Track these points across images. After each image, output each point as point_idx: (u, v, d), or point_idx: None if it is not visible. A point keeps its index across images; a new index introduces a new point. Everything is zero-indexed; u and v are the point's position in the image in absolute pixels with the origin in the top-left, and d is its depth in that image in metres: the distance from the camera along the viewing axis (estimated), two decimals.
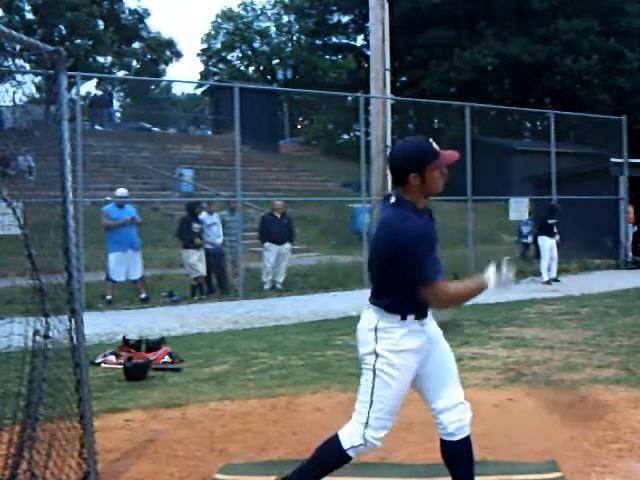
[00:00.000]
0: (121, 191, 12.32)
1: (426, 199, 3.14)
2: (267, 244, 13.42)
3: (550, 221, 14.22)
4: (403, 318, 3.07)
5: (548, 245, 14.20)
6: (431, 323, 3.22)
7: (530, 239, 17.87)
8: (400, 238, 2.97)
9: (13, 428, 3.42)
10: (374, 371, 3.09)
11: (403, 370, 3.09)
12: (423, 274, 2.97)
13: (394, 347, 3.06)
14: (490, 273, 3.13)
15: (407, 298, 3.05)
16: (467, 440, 3.22)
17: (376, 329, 3.08)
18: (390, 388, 3.09)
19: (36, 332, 3.34)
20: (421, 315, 3.12)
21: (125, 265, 11.73)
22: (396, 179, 3.12)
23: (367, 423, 3.12)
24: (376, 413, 3.11)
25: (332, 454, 3.22)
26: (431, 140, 3.08)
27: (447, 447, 3.22)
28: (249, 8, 54.68)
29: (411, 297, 3.03)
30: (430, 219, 3.14)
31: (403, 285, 3.03)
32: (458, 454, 3.23)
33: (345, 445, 3.17)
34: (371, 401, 3.11)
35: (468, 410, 3.21)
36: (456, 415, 3.17)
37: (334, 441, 3.21)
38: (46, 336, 3.36)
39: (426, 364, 3.17)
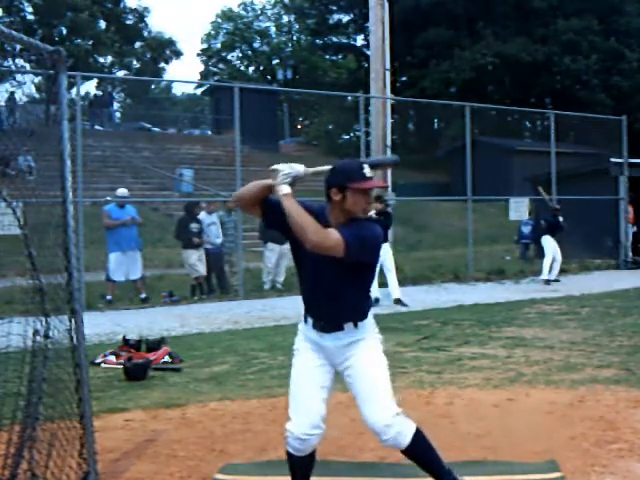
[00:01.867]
0: (122, 191, 12.32)
1: (347, 219, 3.16)
2: (269, 244, 13.40)
3: (558, 222, 14.23)
4: (305, 321, 3.32)
5: (552, 245, 14.22)
6: (339, 343, 3.25)
7: (530, 239, 17.90)
8: None
9: (13, 428, 3.42)
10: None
11: (296, 356, 3.33)
12: None
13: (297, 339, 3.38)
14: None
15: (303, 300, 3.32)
16: (413, 446, 3.21)
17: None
18: (291, 375, 3.33)
19: (36, 332, 3.34)
20: (315, 326, 3.26)
21: (125, 265, 11.73)
22: (325, 193, 3.22)
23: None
24: (289, 402, 3.33)
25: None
26: (365, 166, 3.16)
27: (402, 452, 3.29)
28: (249, 8, 54.69)
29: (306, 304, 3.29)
30: None
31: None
32: (411, 457, 3.28)
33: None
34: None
35: (385, 428, 3.16)
36: (378, 434, 3.20)
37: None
38: (46, 336, 3.36)
39: (344, 378, 3.29)
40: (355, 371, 3.21)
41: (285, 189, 3.12)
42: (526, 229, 18.62)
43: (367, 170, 3.13)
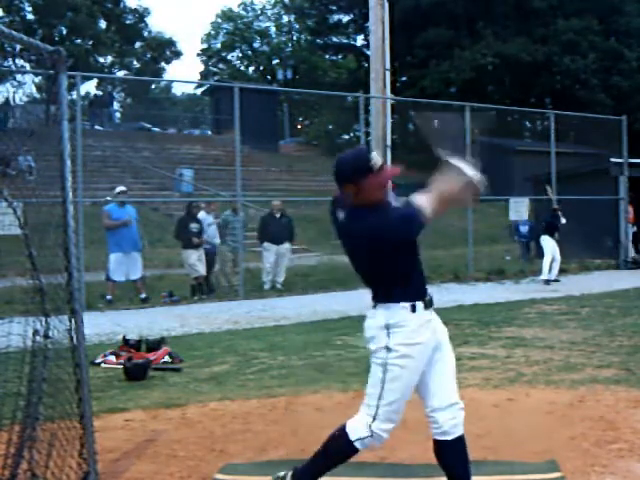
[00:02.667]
0: (121, 188, 12.33)
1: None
2: (266, 244, 13.42)
3: (557, 221, 14.25)
4: (413, 310, 3.16)
5: (551, 244, 14.23)
6: (437, 320, 3.29)
7: (528, 238, 17.94)
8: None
9: (13, 428, 3.42)
10: (385, 365, 3.16)
11: (413, 363, 3.16)
12: None
13: (407, 340, 3.14)
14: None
15: (411, 285, 3.20)
16: (461, 440, 3.25)
17: (387, 326, 3.15)
18: (400, 381, 3.16)
19: (36, 332, 3.34)
20: (429, 303, 3.23)
21: (125, 265, 11.73)
22: (339, 188, 3.22)
23: (375, 415, 3.19)
24: (385, 406, 3.18)
25: (339, 446, 3.28)
26: (373, 153, 3.16)
27: (441, 447, 3.26)
28: (249, 8, 54.70)
29: (413, 284, 3.20)
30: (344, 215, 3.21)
31: (395, 273, 3.18)
32: (452, 454, 3.25)
33: (352, 437, 3.23)
34: (380, 394, 3.17)
35: (462, 410, 3.25)
36: (450, 414, 3.21)
37: (342, 433, 3.27)
38: (46, 336, 3.36)
39: (428, 361, 3.21)
40: (447, 351, 3.28)
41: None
42: (524, 228, 18.65)
43: (375, 158, 3.15)
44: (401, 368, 3.14)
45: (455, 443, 3.23)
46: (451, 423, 3.21)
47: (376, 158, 3.13)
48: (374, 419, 3.19)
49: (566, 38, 37.03)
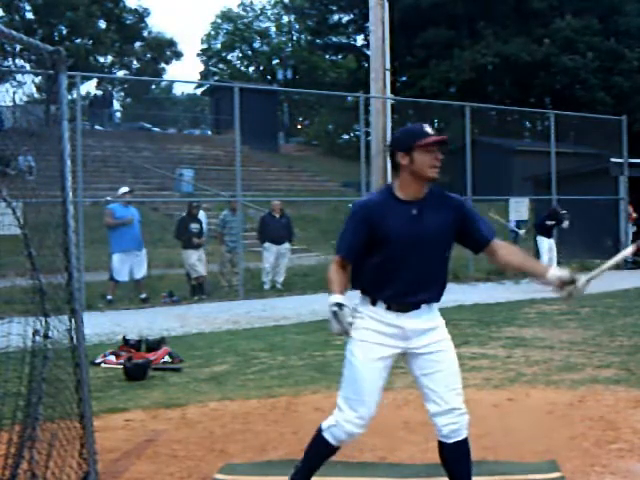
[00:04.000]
0: (125, 189, 12.32)
1: (421, 186, 3.19)
2: (266, 244, 13.42)
3: (548, 222, 14.25)
4: (373, 304, 3.18)
5: (546, 245, 14.23)
6: (424, 324, 3.21)
7: (515, 230, 18.08)
8: None
9: (13, 428, 3.42)
10: (346, 351, 3.25)
11: (361, 347, 3.16)
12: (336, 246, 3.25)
13: (357, 326, 3.16)
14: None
15: (376, 283, 3.16)
16: (464, 443, 3.23)
17: (354, 309, 3.20)
18: (352, 367, 3.19)
19: (36, 332, 3.33)
20: (396, 307, 3.16)
21: (129, 265, 11.72)
22: (392, 165, 3.23)
23: (339, 404, 3.24)
24: (344, 393, 3.23)
25: (315, 438, 3.32)
26: (425, 125, 3.19)
27: (444, 448, 3.25)
28: (249, 9, 54.70)
29: (381, 283, 3.15)
30: (414, 210, 3.17)
31: (370, 270, 3.17)
32: (454, 456, 3.25)
33: (323, 426, 3.29)
34: (342, 382, 3.25)
35: (463, 415, 3.22)
36: (449, 419, 3.20)
37: (319, 426, 3.33)
38: (46, 336, 3.36)
39: (422, 365, 3.20)
40: (441, 361, 3.20)
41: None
42: (512, 222, 18.91)
43: (428, 128, 3.18)
44: (351, 354, 3.20)
45: (456, 446, 3.22)
46: (450, 428, 3.20)
47: (428, 127, 3.20)
48: (339, 408, 3.23)
49: (563, 35, 37.03)
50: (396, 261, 3.15)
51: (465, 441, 3.24)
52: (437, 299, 3.25)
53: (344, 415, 3.20)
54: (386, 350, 3.18)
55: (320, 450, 3.30)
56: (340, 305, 3.03)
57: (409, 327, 3.17)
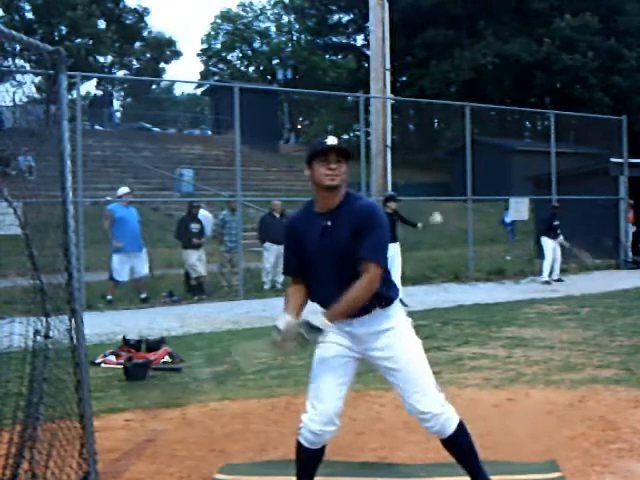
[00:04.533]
0: (125, 189, 12.31)
1: (329, 196, 3.15)
2: (267, 244, 13.42)
3: (555, 222, 14.26)
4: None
5: (551, 246, 14.25)
6: (372, 329, 3.20)
7: (511, 224, 18.16)
8: None
9: (14, 428, 3.42)
10: None
11: (319, 348, 3.22)
12: None
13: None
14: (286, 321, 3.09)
15: (315, 295, 3.23)
16: (456, 436, 3.22)
17: None
18: (312, 368, 3.27)
19: (37, 332, 3.33)
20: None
21: (128, 265, 11.72)
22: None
23: (305, 408, 3.27)
24: (308, 395, 3.27)
25: (296, 448, 3.32)
26: (328, 136, 3.16)
27: (441, 442, 3.30)
28: (248, 9, 54.69)
29: (316, 295, 3.21)
30: (327, 221, 3.15)
31: (309, 283, 3.28)
32: (452, 448, 3.28)
33: (297, 433, 3.30)
34: None
35: (436, 417, 3.19)
36: (424, 422, 3.22)
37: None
38: (47, 336, 3.36)
39: (383, 371, 3.25)
40: (396, 362, 3.19)
41: (325, 325, 3.04)
42: (507, 219, 18.96)
43: (329, 139, 3.13)
44: (316, 354, 3.25)
45: (449, 440, 3.24)
46: (432, 429, 3.23)
47: (331, 139, 3.14)
48: (304, 410, 3.26)
49: (564, 35, 37.03)
50: (319, 273, 3.20)
51: (456, 434, 3.22)
52: (379, 305, 3.18)
53: (308, 415, 3.23)
54: (341, 349, 3.21)
55: (300, 456, 3.31)
56: (276, 328, 3.07)
57: (358, 333, 3.20)
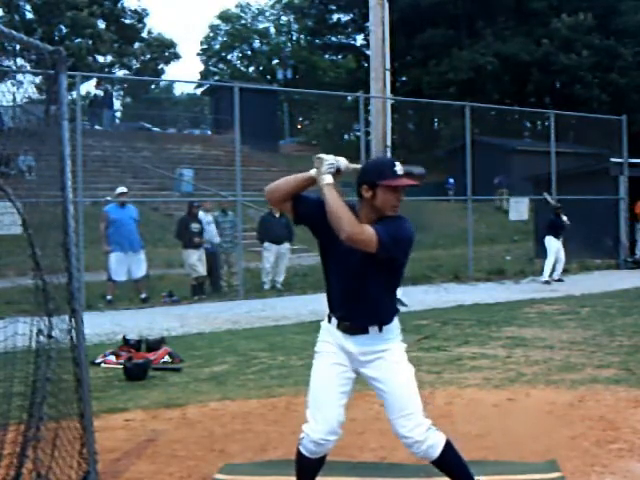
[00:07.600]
0: (121, 189, 12.32)
1: (375, 217, 3.13)
2: (266, 244, 13.42)
3: (563, 221, 14.21)
4: (329, 320, 3.29)
5: (555, 245, 14.23)
6: (369, 349, 3.20)
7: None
8: None
9: (18, 428, 3.43)
10: None
11: (317, 358, 3.27)
12: None
13: (318, 339, 3.33)
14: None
15: (328, 299, 3.29)
16: (441, 459, 3.22)
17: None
18: (311, 378, 3.28)
19: (40, 332, 3.33)
20: (342, 327, 3.20)
21: (126, 265, 11.72)
22: (357, 192, 3.21)
23: (306, 417, 3.27)
24: (308, 405, 3.28)
25: (296, 455, 3.32)
26: (397, 164, 3.14)
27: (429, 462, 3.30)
28: (247, 10, 54.69)
29: (329, 300, 3.28)
30: None
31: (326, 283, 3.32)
32: (441, 468, 3.28)
33: (298, 441, 3.30)
34: None
35: (417, 443, 3.18)
36: (407, 446, 3.23)
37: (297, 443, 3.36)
38: (49, 336, 3.36)
39: (375, 387, 3.26)
40: (386, 385, 3.20)
41: (328, 178, 3.12)
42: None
43: (399, 168, 3.12)
44: (314, 364, 3.27)
45: (436, 463, 3.25)
46: (417, 454, 3.23)
47: (399, 167, 3.13)
48: (305, 420, 3.26)
49: (562, 35, 37.04)
50: (332, 275, 3.25)
51: (442, 457, 3.21)
52: (381, 323, 3.19)
53: (309, 425, 3.23)
54: (340, 359, 3.21)
55: (301, 465, 3.31)
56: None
57: (352, 351, 3.21)
